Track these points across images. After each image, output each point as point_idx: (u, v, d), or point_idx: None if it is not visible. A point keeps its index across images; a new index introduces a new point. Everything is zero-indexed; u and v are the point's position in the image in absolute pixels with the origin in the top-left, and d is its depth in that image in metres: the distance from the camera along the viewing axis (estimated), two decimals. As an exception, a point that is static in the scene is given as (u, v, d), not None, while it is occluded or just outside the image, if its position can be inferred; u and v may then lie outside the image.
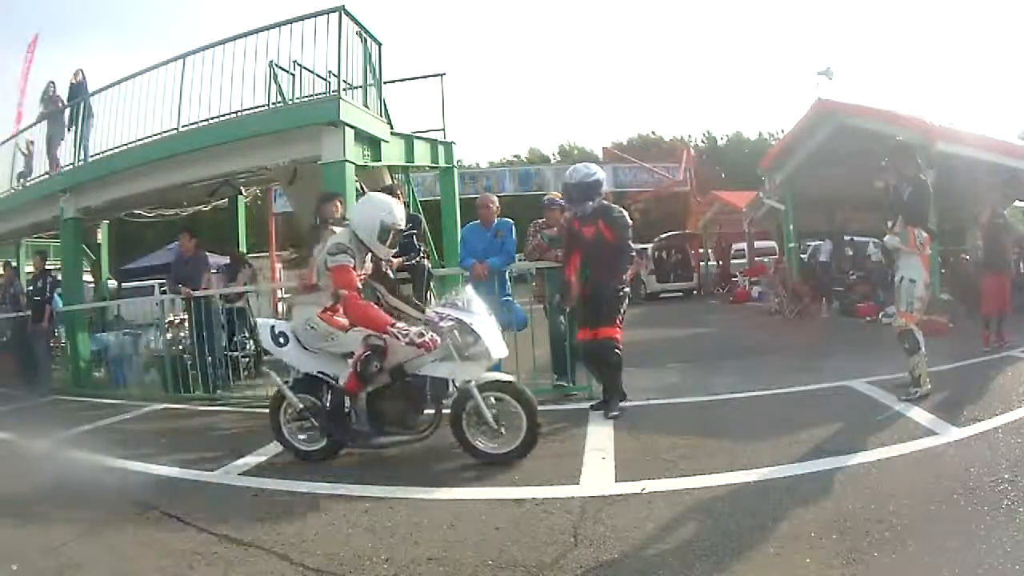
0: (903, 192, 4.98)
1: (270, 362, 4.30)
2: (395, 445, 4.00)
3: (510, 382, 4.01)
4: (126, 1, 63.05)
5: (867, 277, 12.30)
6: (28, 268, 10.75)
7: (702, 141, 42.27)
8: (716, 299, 17.24)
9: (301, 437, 4.16)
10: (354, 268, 3.94)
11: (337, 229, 4.38)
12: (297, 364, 4.18)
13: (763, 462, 3.54)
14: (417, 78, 9.29)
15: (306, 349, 4.10)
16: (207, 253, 7.85)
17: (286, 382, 4.23)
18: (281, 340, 4.11)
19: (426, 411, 4.02)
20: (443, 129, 9.36)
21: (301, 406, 4.06)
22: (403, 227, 4.19)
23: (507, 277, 5.98)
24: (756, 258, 18.20)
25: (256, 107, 7.46)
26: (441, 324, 3.84)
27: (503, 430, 3.84)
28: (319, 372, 4.08)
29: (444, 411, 3.93)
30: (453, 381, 3.86)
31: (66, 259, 9.27)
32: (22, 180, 10.13)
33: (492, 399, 3.87)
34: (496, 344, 3.94)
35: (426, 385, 3.89)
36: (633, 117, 79.34)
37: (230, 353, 7.30)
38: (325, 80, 7.50)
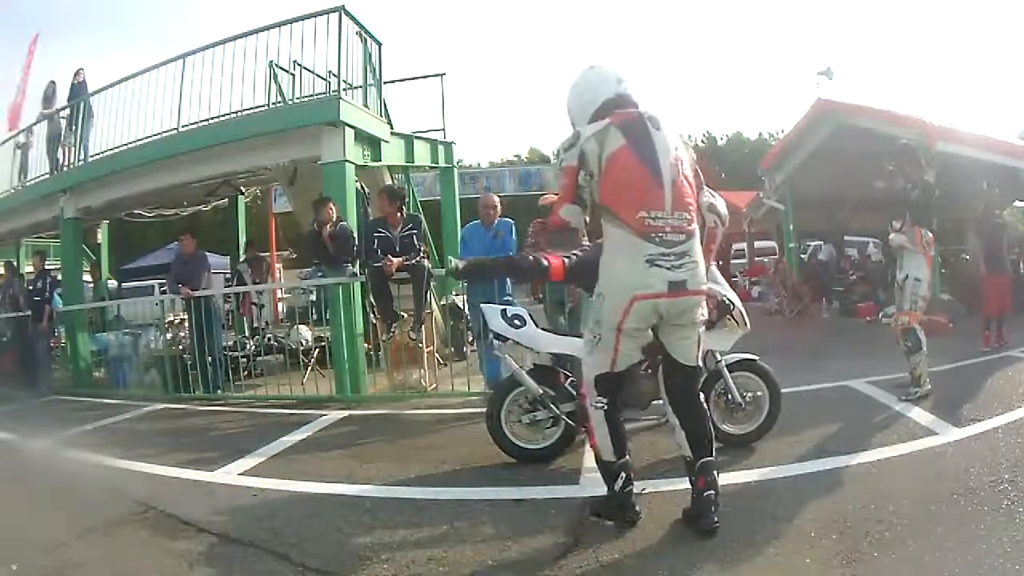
0: (910, 193, 5.02)
1: (501, 345, 3.90)
2: (638, 428, 3.78)
3: (755, 360, 3.85)
4: (126, 1, 63.04)
5: (867, 277, 12.31)
6: (28, 268, 10.74)
7: (702, 141, 42.26)
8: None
9: (529, 435, 3.83)
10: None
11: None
12: (540, 346, 3.85)
13: (763, 462, 3.54)
14: (417, 78, 9.32)
15: (546, 330, 3.88)
16: (207, 253, 7.86)
17: (526, 370, 3.86)
18: (516, 322, 3.84)
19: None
20: (443, 129, 9.39)
21: (540, 392, 3.72)
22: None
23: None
24: (756, 258, 18.20)
25: (256, 107, 7.48)
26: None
27: (747, 411, 3.76)
28: (564, 353, 3.77)
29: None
30: (704, 359, 3.69)
31: (66, 259, 9.28)
32: (21, 176, 10.12)
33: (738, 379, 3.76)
34: (746, 315, 3.80)
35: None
36: (633, 117, 79.17)
37: (230, 353, 7.32)
38: (325, 80, 7.51)
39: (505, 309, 3.96)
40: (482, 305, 4.07)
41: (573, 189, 2.69)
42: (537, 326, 3.92)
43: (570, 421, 3.77)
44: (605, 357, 2.79)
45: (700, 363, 2.91)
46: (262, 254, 10.30)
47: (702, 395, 3.06)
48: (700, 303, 2.76)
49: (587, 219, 2.86)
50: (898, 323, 5.05)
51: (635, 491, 3.00)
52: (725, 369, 3.75)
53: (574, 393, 3.70)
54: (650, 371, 3.44)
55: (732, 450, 3.77)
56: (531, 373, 3.84)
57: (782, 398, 3.84)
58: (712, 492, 2.70)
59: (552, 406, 3.77)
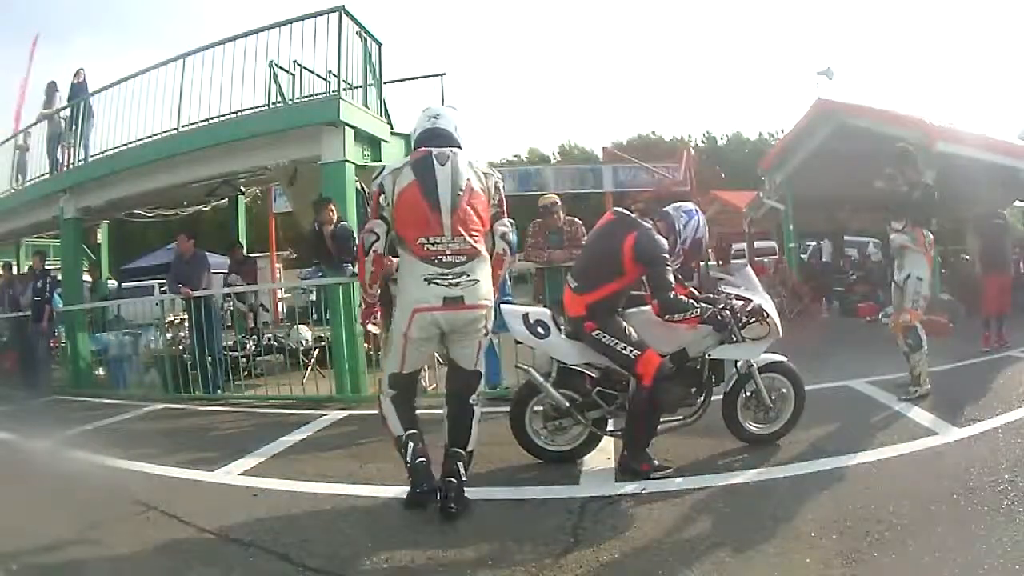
0: (910, 194, 5.06)
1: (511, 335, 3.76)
2: (664, 431, 3.70)
3: (783, 362, 3.90)
4: (126, 1, 63.04)
5: (867, 277, 12.31)
6: (26, 267, 10.75)
7: (702, 141, 42.32)
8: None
9: (552, 438, 3.75)
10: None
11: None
12: (563, 356, 3.67)
13: (763, 462, 3.55)
14: (417, 78, 9.30)
15: (569, 337, 3.66)
16: (207, 253, 7.85)
17: (547, 375, 3.71)
18: (540, 330, 3.65)
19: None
20: (443, 129, 9.36)
21: (566, 405, 3.60)
22: None
23: (507, 277, 5.98)
24: (756, 258, 18.18)
25: (256, 107, 7.48)
26: (732, 303, 3.70)
27: (773, 410, 3.82)
28: (586, 364, 3.63)
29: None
30: (735, 363, 3.76)
31: (66, 259, 9.27)
32: (20, 177, 10.13)
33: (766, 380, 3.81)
34: (779, 321, 3.83)
35: (705, 368, 3.70)
36: (633, 117, 79.46)
37: (230, 353, 7.31)
38: (325, 80, 7.50)
39: (527, 313, 3.73)
40: (501, 306, 3.79)
41: (377, 209, 3.22)
42: (561, 331, 3.69)
43: (595, 430, 3.70)
44: (396, 359, 3.26)
45: (480, 368, 3.39)
46: (248, 255, 10.21)
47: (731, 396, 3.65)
48: (479, 316, 3.15)
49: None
50: (899, 321, 5.06)
51: (633, 491, 3.00)
52: (756, 373, 3.77)
53: (601, 402, 3.65)
54: (678, 378, 3.57)
55: (732, 450, 3.78)
56: (557, 378, 3.69)
57: (806, 397, 3.88)
58: (452, 480, 3.09)
59: (578, 416, 3.65)
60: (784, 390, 3.84)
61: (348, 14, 6.87)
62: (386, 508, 3.29)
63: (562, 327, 3.70)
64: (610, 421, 3.76)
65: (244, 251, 9.32)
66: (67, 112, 9.22)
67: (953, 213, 10.04)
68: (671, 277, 3.50)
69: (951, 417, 4.14)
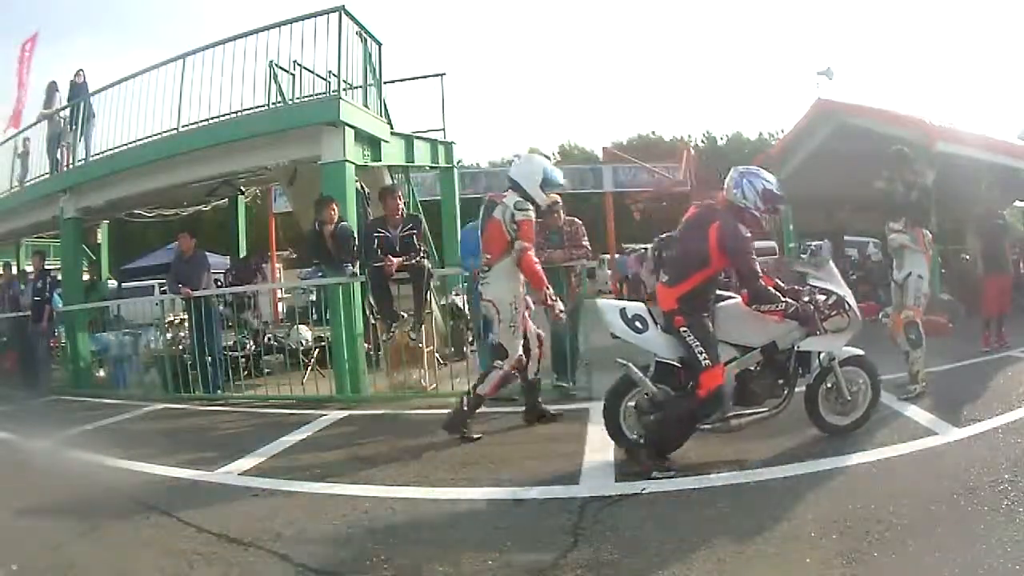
0: (909, 194, 5.09)
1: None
2: (750, 423, 3.73)
3: (861, 355, 3.96)
4: (126, 1, 63.05)
5: (867, 277, 12.29)
6: (27, 268, 10.76)
7: (702, 141, 42.21)
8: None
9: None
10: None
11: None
12: (660, 351, 3.68)
13: (762, 462, 3.54)
14: (417, 78, 9.31)
15: (666, 332, 3.64)
16: (207, 253, 7.86)
17: (645, 368, 3.71)
18: (638, 324, 3.67)
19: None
20: (443, 129, 9.38)
21: (661, 398, 3.60)
22: (562, 180, 4.74)
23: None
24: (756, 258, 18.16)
25: (256, 107, 7.47)
26: (816, 296, 3.77)
27: (852, 403, 3.88)
28: (679, 359, 3.61)
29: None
30: (819, 355, 3.81)
31: (66, 259, 9.27)
32: (22, 183, 10.13)
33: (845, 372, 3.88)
34: (858, 312, 3.90)
35: (793, 360, 3.75)
36: (633, 117, 79.24)
37: (230, 353, 7.32)
38: (325, 80, 7.50)
39: (625, 308, 3.73)
40: (598, 301, 3.96)
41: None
42: (659, 326, 3.68)
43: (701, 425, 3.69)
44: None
45: (500, 341, 4.56)
46: (244, 257, 10.21)
47: (814, 388, 3.82)
48: (487, 307, 4.60)
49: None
50: (900, 318, 5.08)
51: (633, 491, 3.00)
52: (837, 367, 3.83)
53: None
54: (767, 371, 3.69)
55: (732, 450, 3.78)
56: (655, 373, 3.69)
57: (881, 390, 3.96)
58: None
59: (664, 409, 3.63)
60: (862, 382, 3.91)
61: (348, 14, 6.86)
62: (386, 508, 3.29)
63: (658, 322, 3.70)
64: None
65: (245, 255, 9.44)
66: (67, 112, 9.22)
67: (953, 213, 10.03)
68: (757, 266, 3.55)
69: (951, 417, 4.14)
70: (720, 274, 3.69)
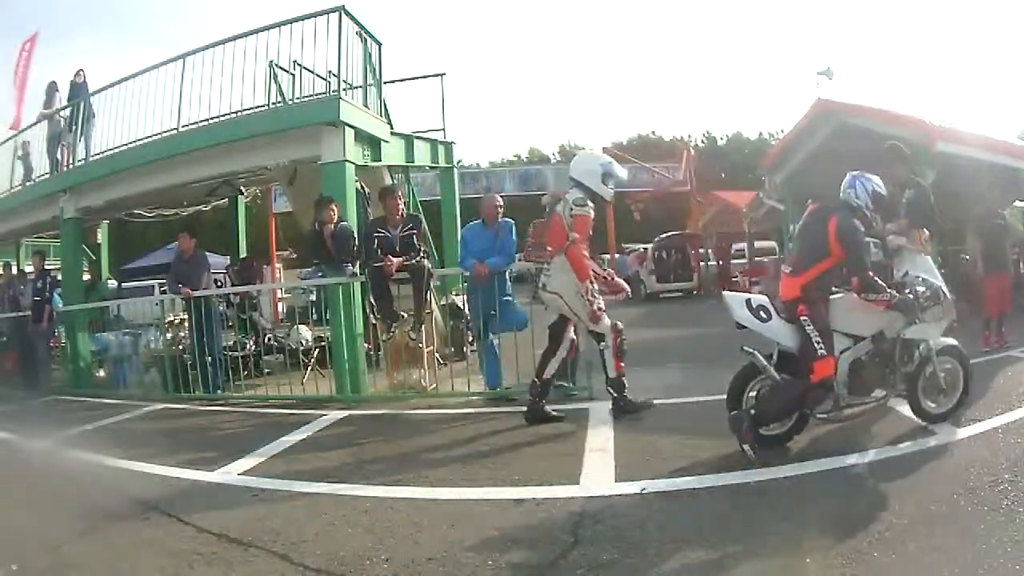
0: (903, 195, 5.05)
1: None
2: (861, 412, 3.92)
3: (955, 345, 4.07)
4: (126, 1, 63.04)
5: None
6: (27, 268, 10.76)
7: (702, 141, 42.29)
8: (716, 299, 17.22)
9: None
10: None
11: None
12: (783, 339, 3.84)
13: (763, 462, 3.53)
14: (417, 78, 9.30)
15: (787, 321, 3.81)
16: (207, 253, 7.85)
17: (769, 356, 3.86)
18: (762, 314, 3.84)
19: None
20: (443, 129, 9.38)
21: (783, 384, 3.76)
22: (623, 174, 5.02)
23: (507, 277, 5.99)
24: (756, 258, 18.19)
25: (256, 107, 7.47)
26: (917, 288, 3.93)
27: (946, 391, 4.00)
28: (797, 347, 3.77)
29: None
30: (919, 344, 3.93)
31: (66, 259, 9.26)
32: (29, 179, 10.13)
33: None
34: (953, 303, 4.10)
35: (898, 349, 3.92)
36: (633, 117, 79.49)
37: (230, 353, 7.32)
38: (325, 80, 7.50)
39: (750, 299, 3.93)
40: (724, 294, 4.12)
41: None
42: (780, 316, 3.86)
43: (808, 412, 3.80)
44: None
45: (591, 326, 4.67)
46: (244, 258, 10.18)
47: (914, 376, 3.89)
48: (553, 298, 4.73)
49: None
50: None
51: (633, 491, 3.00)
52: (935, 355, 3.94)
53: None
54: (877, 359, 3.86)
55: (732, 450, 3.77)
56: (778, 361, 3.84)
57: (973, 379, 4.07)
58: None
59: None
60: (956, 371, 4.03)
61: (348, 14, 6.86)
62: (386, 508, 3.29)
63: (781, 313, 3.89)
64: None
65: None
66: (67, 112, 9.22)
67: (953, 213, 10.02)
68: (868, 259, 3.81)
69: (951, 417, 4.13)
70: (837, 266, 3.83)
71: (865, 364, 3.88)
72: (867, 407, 3.90)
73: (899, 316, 3.84)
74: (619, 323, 4.76)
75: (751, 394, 3.84)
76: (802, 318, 3.68)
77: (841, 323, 3.80)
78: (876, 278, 3.76)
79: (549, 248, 4.87)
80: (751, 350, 3.82)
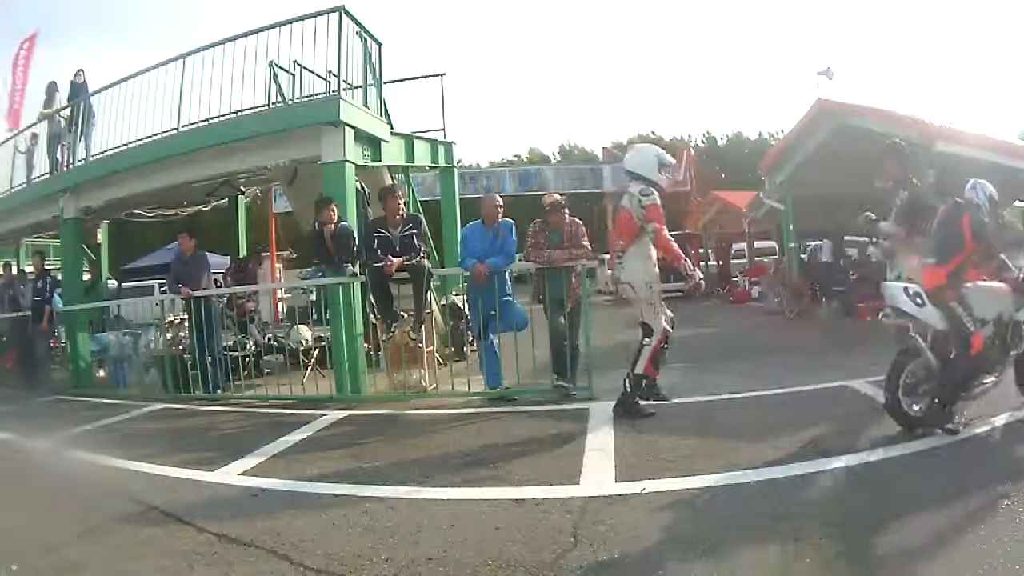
0: (899, 196, 5.04)
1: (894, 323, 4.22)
2: (985, 391, 4.04)
3: None
4: (126, 1, 63.07)
5: (867, 277, 12.28)
6: (28, 268, 10.75)
7: (702, 141, 42.25)
8: (716, 299, 17.23)
9: (915, 407, 3.99)
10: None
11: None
12: (937, 323, 4.04)
13: (763, 462, 3.54)
14: (417, 78, 9.31)
15: (936, 306, 4.02)
16: (207, 253, 7.85)
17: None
18: (918, 300, 4.04)
19: None
20: (443, 129, 9.39)
21: (937, 367, 3.95)
22: (672, 160, 5.11)
23: (507, 277, 5.98)
24: (756, 258, 18.19)
25: (256, 107, 7.46)
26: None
27: None
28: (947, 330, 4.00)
29: None
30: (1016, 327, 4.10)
31: (66, 259, 9.26)
32: (28, 177, 10.13)
33: None
34: None
35: (1010, 330, 4.09)
36: (633, 117, 79.29)
37: (230, 353, 7.31)
38: (325, 80, 7.50)
39: (907, 287, 4.12)
40: (883, 283, 4.33)
41: None
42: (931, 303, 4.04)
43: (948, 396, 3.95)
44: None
45: (648, 320, 4.80)
46: (242, 258, 10.17)
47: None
48: (624, 288, 4.91)
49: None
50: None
51: (633, 491, 3.00)
52: None
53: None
54: (997, 342, 4.05)
55: (732, 450, 3.78)
56: (931, 345, 4.01)
57: None
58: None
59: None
60: None
61: (348, 14, 6.86)
62: (386, 508, 3.29)
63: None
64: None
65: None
66: (67, 112, 9.22)
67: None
68: (995, 250, 4.16)
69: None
70: (971, 257, 4.08)
71: (989, 346, 4.06)
72: (988, 387, 4.05)
73: (1018, 298, 4.07)
74: (670, 329, 4.83)
75: (908, 380, 3.98)
76: (951, 303, 3.94)
77: (970, 308, 4.02)
78: (1008, 261, 4.14)
79: (621, 241, 5.08)
80: (915, 335, 4.05)
